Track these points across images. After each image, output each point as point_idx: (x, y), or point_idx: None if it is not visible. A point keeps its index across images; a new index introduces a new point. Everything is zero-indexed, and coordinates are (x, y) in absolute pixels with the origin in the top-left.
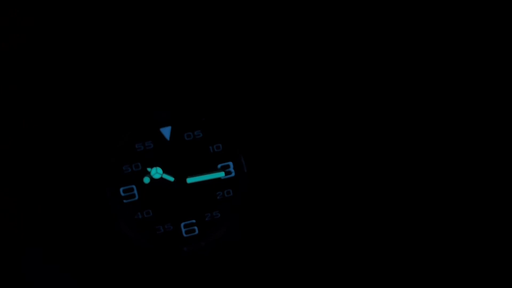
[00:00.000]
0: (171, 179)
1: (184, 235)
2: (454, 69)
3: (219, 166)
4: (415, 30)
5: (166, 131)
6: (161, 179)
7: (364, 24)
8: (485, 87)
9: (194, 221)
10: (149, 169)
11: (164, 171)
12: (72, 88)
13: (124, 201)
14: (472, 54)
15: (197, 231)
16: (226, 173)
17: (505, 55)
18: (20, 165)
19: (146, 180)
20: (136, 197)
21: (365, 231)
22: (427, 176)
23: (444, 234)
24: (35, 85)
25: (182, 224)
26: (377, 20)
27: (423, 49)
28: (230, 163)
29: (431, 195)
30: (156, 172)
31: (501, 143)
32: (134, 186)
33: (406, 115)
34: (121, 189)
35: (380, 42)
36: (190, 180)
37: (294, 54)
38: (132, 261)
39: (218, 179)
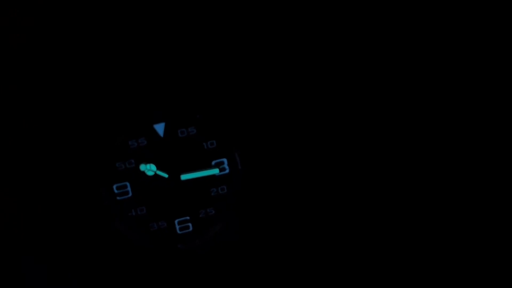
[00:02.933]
0: (165, 175)
1: (178, 231)
2: (454, 69)
3: (213, 162)
4: (415, 30)
5: (159, 128)
6: (155, 175)
7: (360, 24)
8: (485, 87)
9: (188, 217)
10: (142, 166)
11: (158, 168)
12: (66, 86)
13: (118, 198)
14: (472, 54)
15: (191, 228)
16: (221, 170)
17: (505, 55)
18: (17, 164)
19: (143, 167)
20: (130, 194)
21: (358, 225)
22: (416, 171)
23: (443, 234)
24: (34, 85)
25: (176, 221)
26: (376, 20)
27: (423, 49)
28: (225, 160)
29: (421, 191)
30: (150, 169)
31: (501, 143)
32: (127, 183)
33: (397, 111)
34: (114, 186)
35: (375, 42)
36: (184, 177)
37: (288, 52)
38: (127, 258)
39: (212, 176)
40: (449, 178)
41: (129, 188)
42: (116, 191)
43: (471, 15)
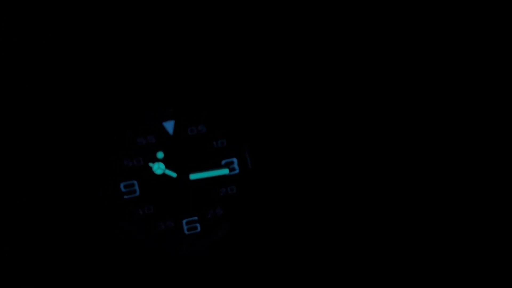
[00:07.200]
0: (174, 175)
1: (186, 232)
2: (454, 69)
3: (223, 162)
4: (415, 30)
5: (169, 126)
6: (163, 174)
7: (364, 24)
8: (485, 87)
9: (196, 218)
10: (151, 164)
11: (167, 167)
12: (71, 83)
13: (125, 196)
14: (472, 54)
15: (199, 229)
16: (230, 170)
17: (505, 55)
18: (21, 163)
19: (160, 155)
20: (137, 193)
21: (367, 227)
22: (428, 175)
23: (444, 234)
24: (36, 82)
25: (184, 221)
26: (377, 20)
27: (423, 49)
28: (235, 159)
29: (432, 194)
30: (158, 168)
31: (501, 143)
32: (135, 182)
33: (406, 112)
34: (121, 184)
35: (381, 42)
36: (193, 176)
37: (299, 51)
38: (132, 258)
39: (222, 175)
40: (453, 178)
41: (136, 187)
42: (123, 189)
43: (471, 15)
